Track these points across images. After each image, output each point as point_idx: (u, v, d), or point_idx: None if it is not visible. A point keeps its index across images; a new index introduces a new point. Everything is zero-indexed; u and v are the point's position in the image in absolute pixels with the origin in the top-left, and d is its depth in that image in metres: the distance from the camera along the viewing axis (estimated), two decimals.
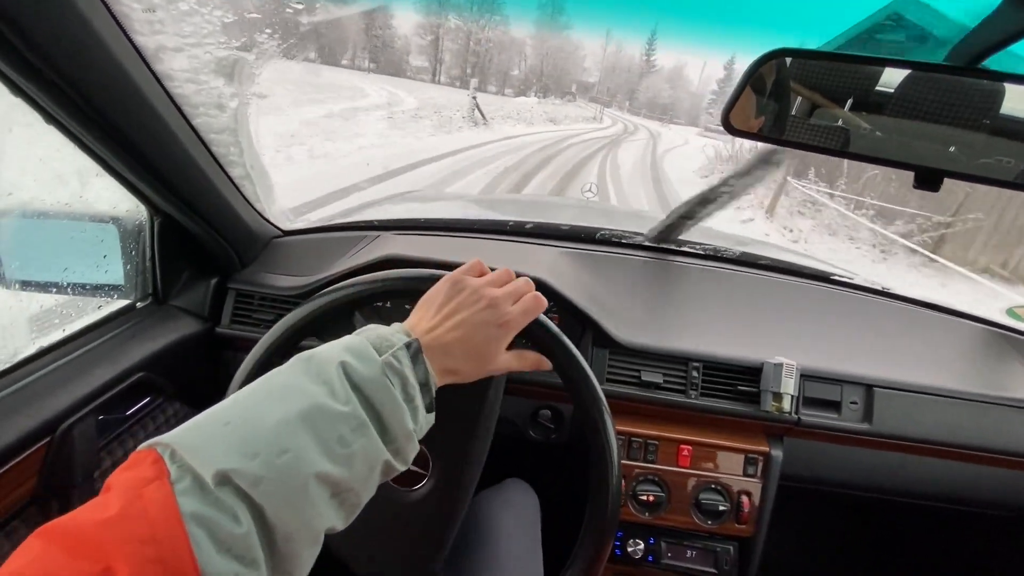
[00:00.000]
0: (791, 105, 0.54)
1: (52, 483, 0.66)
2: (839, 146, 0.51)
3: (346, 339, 0.45)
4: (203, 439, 0.35)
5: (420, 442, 0.64)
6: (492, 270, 0.59)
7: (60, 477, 0.67)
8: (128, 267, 0.85)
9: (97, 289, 0.83)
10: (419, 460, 0.67)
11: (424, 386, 0.45)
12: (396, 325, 0.49)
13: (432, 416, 0.47)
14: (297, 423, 0.37)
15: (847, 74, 0.51)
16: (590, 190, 2.77)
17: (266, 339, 0.62)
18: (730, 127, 0.54)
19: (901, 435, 0.92)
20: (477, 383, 0.57)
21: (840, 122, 0.53)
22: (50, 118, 0.61)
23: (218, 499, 0.32)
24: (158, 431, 0.86)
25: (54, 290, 0.77)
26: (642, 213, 3.05)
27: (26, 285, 0.75)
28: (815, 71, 0.51)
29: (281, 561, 0.34)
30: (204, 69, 0.68)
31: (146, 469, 0.33)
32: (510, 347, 0.55)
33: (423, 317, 0.52)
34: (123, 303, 0.87)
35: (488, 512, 0.82)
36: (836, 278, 1.21)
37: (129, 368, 0.78)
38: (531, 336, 0.57)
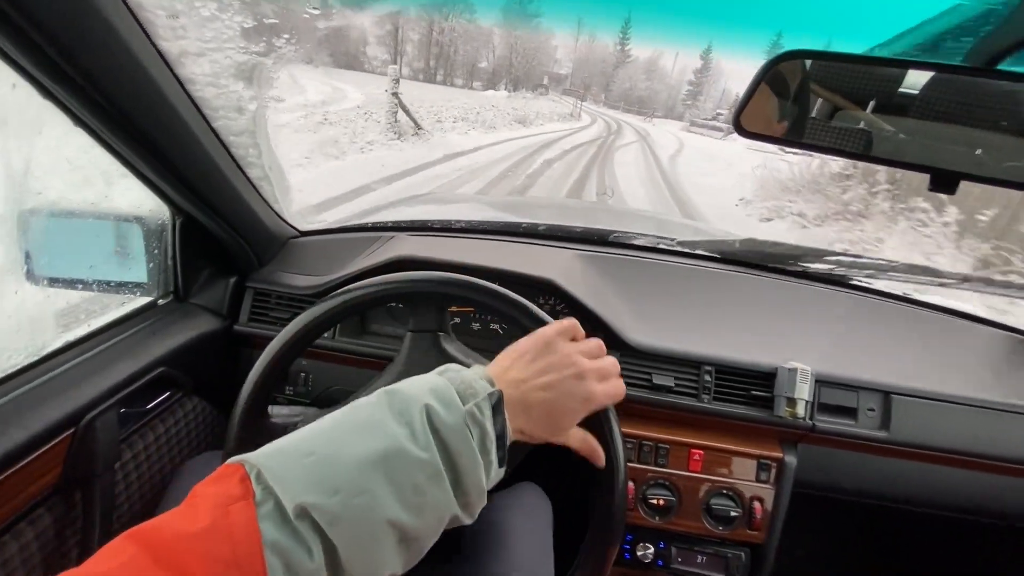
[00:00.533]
0: (811, 107, 0.53)
1: (75, 473, 0.69)
2: (861, 149, 0.50)
3: (431, 379, 0.45)
4: (287, 466, 0.36)
5: None
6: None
7: (83, 467, 0.69)
8: (151, 265, 0.87)
9: (121, 286, 0.85)
10: None
11: (500, 439, 0.44)
12: (479, 369, 0.48)
13: (503, 471, 0.45)
14: (377, 464, 0.37)
15: (868, 76, 0.50)
16: (606, 192, 2.77)
17: (282, 336, 0.63)
18: (741, 129, 0.53)
19: (920, 443, 0.90)
20: None
21: (862, 124, 0.52)
22: (78, 120, 0.63)
23: (296, 530, 0.33)
24: (176, 425, 0.89)
25: (80, 287, 0.80)
26: (657, 216, 3.02)
27: (54, 282, 0.78)
28: (836, 73, 0.51)
29: None
30: (224, 73, 0.70)
31: (233, 486, 0.34)
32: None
33: (511, 367, 0.50)
34: (145, 300, 0.89)
35: (500, 516, 0.82)
36: (853, 282, 1.18)
37: (150, 363, 0.80)
38: (593, 425, 0.57)
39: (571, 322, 0.55)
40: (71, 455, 0.68)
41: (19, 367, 0.68)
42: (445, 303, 0.68)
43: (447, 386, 0.44)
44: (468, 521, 0.43)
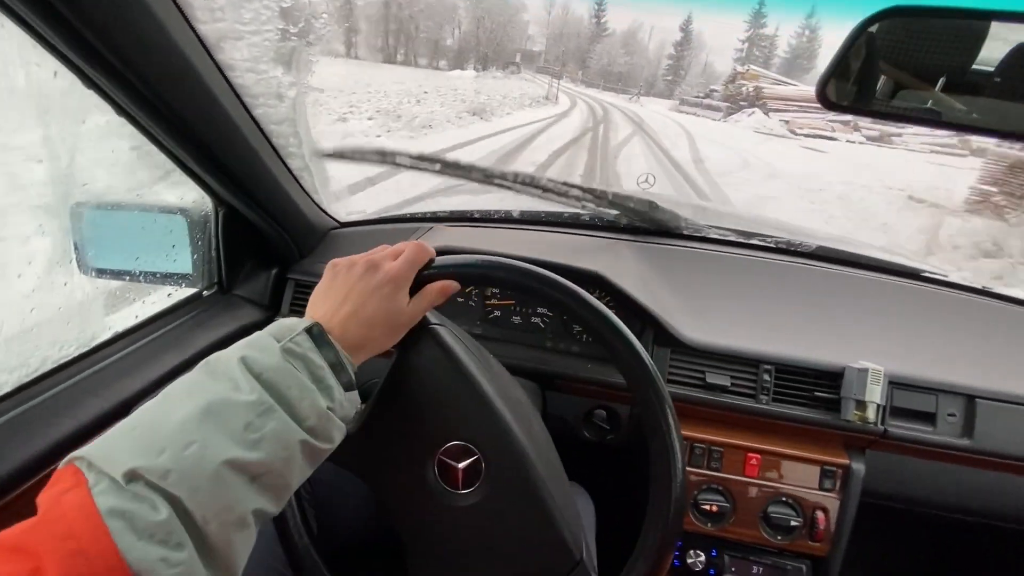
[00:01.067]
0: (914, 76, 0.46)
1: None
2: (965, 120, 0.44)
3: (250, 336, 0.46)
4: (113, 445, 0.37)
5: (461, 440, 0.61)
6: None
7: None
8: (195, 257, 0.87)
9: (167, 277, 0.86)
10: (469, 455, 0.62)
11: (336, 365, 0.46)
12: (299, 319, 0.50)
13: (355, 395, 0.47)
14: (201, 416, 0.38)
15: (970, 35, 0.43)
16: (647, 180, 2.68)
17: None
18: (827, 100, 0.47)
19: (1008, 453, 0.82)
20: (447, 363, 0.56)
21: (959, 94, 0.45)
22: (121, 110, 0.63)
23: (134, 494, 0.33)
24: None
25: (127, 278, 0.81)
26: (705, 206, 2.91)
27: (101, 273, 0.79)
28: (941, 35, 0.44)
29: (210, 544, 0.35)
30: (263, 58, 0.68)
31: (66, 480, 0.35)
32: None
33: (316, 309, 0.52)
34: (191, 291, 0.90)
35: None
36: (927, 275, 1.09)
37: (195, 354, 0.80)
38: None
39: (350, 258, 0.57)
40: None
41: (70, 358, 0.69)
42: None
43: (261, 334, 0.45)
44: (326, 446, 0.44)
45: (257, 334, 0.46)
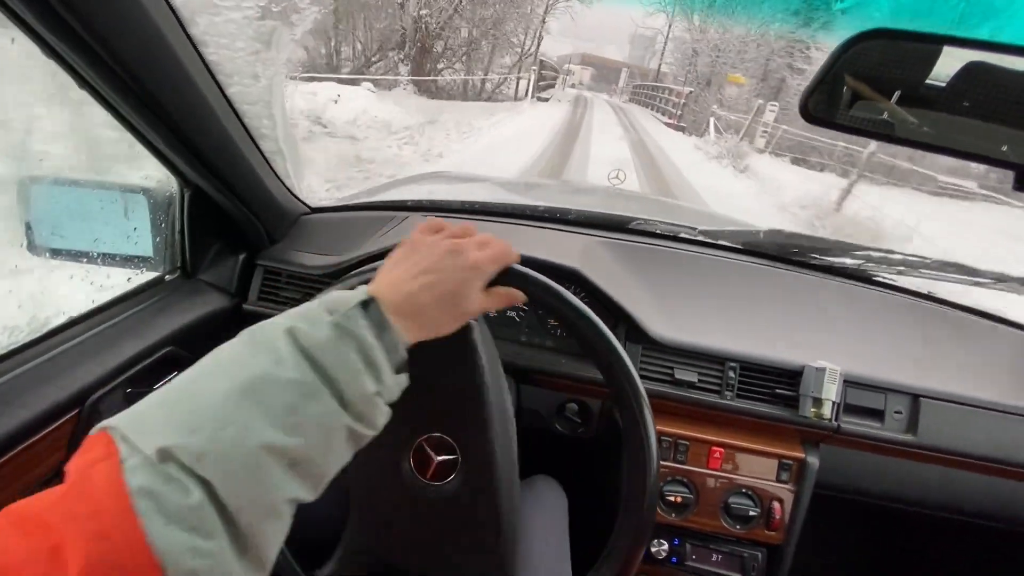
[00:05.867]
0: (888, 102, 0.48)
1: None
2: (947, 143, 0.46)
3: (301, 306, 0.43)
4: (148, 418, 0.35)
5: (445, 433, 0.62)
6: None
7: None
8: (157, 239, 0.83)
9: (127, 260, 0.82)
10: (448, 451, 0.64)
11: (390, 345, 0.42)
12: (359, 288, 0.46)
13: (403, 378, 0.44)
14: (240, 395, 0.36)
15: (955, 59, 0.46)
16: (617, 176, 2.71)
17: None
18: (808, 115, 0.49)
19: (947, 448, 0.88)
20: (471, 361, 0.56)
21: (943, 116, 0.47)
22: (83, 82, 0.59)
23: (167, 474, 0.31)
24: None
25: (84, 260, 0.76)
26: (676, 204, 2.97)
27: (56, 253, 0.74)
28: (916, 58, 0.46)
29: (241, 533, 0.33)
30: (240, 35, 0.65)
31: (98, 451, 0.33)
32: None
33: (384, 276, 0.49)
34: (152, 275, 0.86)
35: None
36: (878, 279, 1.15)
37: (157, 342, 0.77)
38: (541, 303, 0.55)
39: (433, 220, 0.55)
40: (76, 437, 0.65)
41: (20, 344, 0.65)
42: None
43: (313, 305, 0.42)
44: (371, 432, 0.42)
45: (308, 304, 0.43)
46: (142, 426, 0.34)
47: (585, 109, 21.60)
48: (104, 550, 0.28)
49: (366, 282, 0.49)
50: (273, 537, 0.36)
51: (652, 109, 23.59)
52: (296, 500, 0.37)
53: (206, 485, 0.32)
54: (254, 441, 0.34)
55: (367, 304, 0.43)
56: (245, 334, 0.41)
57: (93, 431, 0.35)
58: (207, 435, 0.33)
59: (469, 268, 0.49)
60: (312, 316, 0.41)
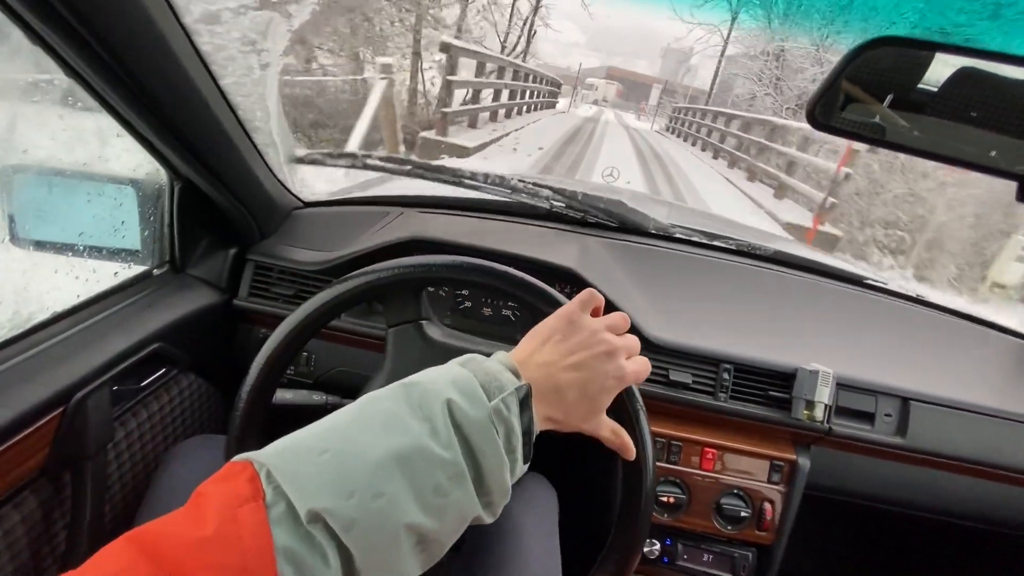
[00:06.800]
0: (896, 101, 0.48)
1: (64, 454, 0.64)
2: (937, 149, 0.47)
3: (452, 371, 0.42)
4: (300, 465, 0.34)
5: None
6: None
7: (73, 448, 0.65)
8: (146, 233, 0.81)
9: (114, 254, 0.79)
10: None
11: (526, 435, 0.42)
12: (502, 356, 0.45)
13: (527, 467, 0.43)
14: (395, 463, 0.35)
15: (969, 69, 0.46)
16: (611, 174, 2.72)
17: (299, 314, 0.59)
18: (815, 122, 0.49)
19: (935, 451, 0.89)
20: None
21: (934, 120, 0.47)
22: (70, 70, 0.57)
23: (309, 535, 0.31)
24: (171, 403, 0.84)
25: (69, 253, 0.74)
26: (671, 203, 2.98)
27: (40, 246, 0.72)
28: (921, 64, 0.46)
29: None
30: (236, 26, 0.63)
31: (242, 486, 0.32)
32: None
33: (536, 351, 0.47)
34: (140, 270, 0.84)
35: (506, 507, 0.80)
36: (869, 282, 1.16)
37: (145, 338, 0.75)
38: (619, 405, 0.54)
39: (590, 293, 0.52)
40: (60, 435, 0.63)
41: (2, 341, 0.63)
42: (420, 288, 0.65)
43: (470, 378, 0.41)
44: (490, 520, 0.41)
45: (463, 374, 0.42)
46: (293, 473, 0.33)
47: (586, 145, 12.48)
48: None
49: (489, 347, 0.48)
50: None
51: (708, 151, 14.07)
52: (411, 574, 0.37)
53: (346, 556, 0.32)
54: (401, 518, 0.34)
55: (520, 390, 0.42)
56: (401, 389, 0.40)
57: (237, 458, 0.34)
58: (359, 502, 0.33)
59: (617, 379, 0.48)
60: (471, 392, 0.40)
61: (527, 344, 0.49)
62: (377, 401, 0.40)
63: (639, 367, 0.50)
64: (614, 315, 0.52)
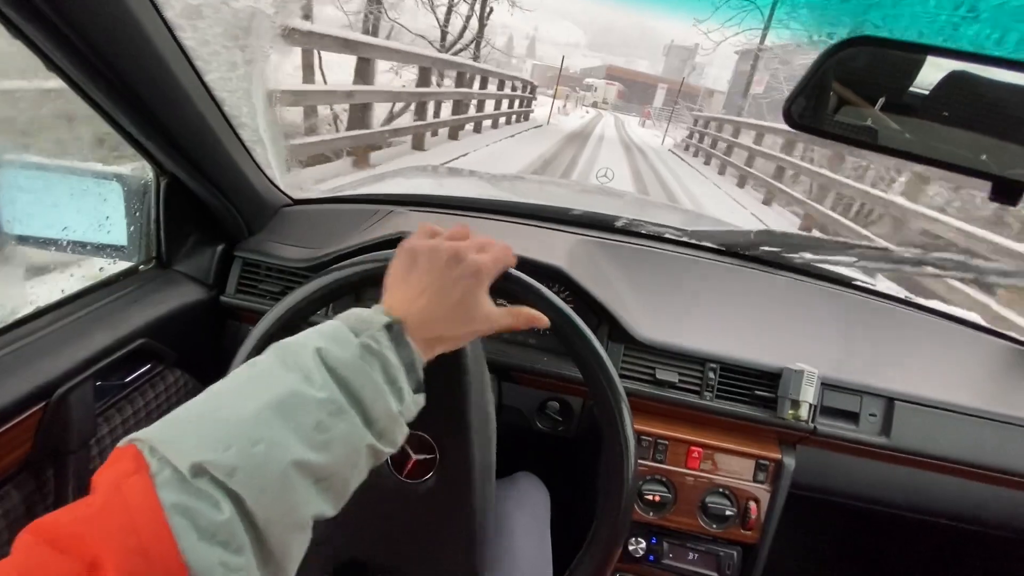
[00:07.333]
0: (872, 108, 0.48)
1: (47, 449, 0.64)
2: (928, 152, 0.47)
3: (324, 324, 0.44)
4: (179, 432, 0.35)
5: (425, 432, 0.62)
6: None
7: (55, 443, 0.65)
8: (131, 228, 0.81)
9: (99, 249, 0.79)
10: (427, 450, 0.64)
11: (409, 366, 0.44)
12: (376, 307, 0.47)
13: (421, 397, 0.45)
14: (271, 412, 0.36)
15: (941, 69, 0.46)
16: (605, 174, 2.73)
17: (276, 310, 0.59)
18: (792, 121, 0.49)
19: (919, 451, 0.90)
20: (457, 362, 0.56)
21: (924, 123, 0.47)
22: (52, 65, 0.57)
23: (198, 489, 0.32)
24: (157, 399, 0.84)
25: (53, 248, 0.74)
26: (662, 204, 2.99)
27: (23, 240, 0.71)
28: (900, 65, 0.46)
29: (268, 548, 0.34)
30: (219, 21, 0.63)
31: (127, 464, 0.33)
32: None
33: (394, 290, 0.49)
34: (125, 265, 0.83)
35: (499, 505, 0.80)
36: (856, 283, 1.17)
37: (130, 334, 0.75)
38: (522, 300, 0.55)
39: (423, 224, 0.54)
40: (42, 430, 0.63)
41: None
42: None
43: (339, 325, 0.43)
44: (390, 450, 0.43)
45: (332, 323, 0.43)
46: (173, 440, 0.34)
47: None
48: (140, 565, 0.29)
49: (378, 297, 0.49)
50: (297, 552, 0.37)
51: (758, 190, 9.97)
52: (320, 515, 0.38)
53: (237, 500, 0.33)
54: (285, 457, 0.35)
55: (391, 326, 0.44)
56: (273, 350, 0.42)
57: (121, 443, 0.35)
58: (239, 450, 0.34)
59: (472, 275, 0.49)
60: (339, 336, 0.42)
61: (389, 290, 0.50)
62: (251, 364, 0.41)
63: (495, 253, 0.52)
64: (453, 227, 0.54)
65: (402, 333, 0.44)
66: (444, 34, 10.84)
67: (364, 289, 0.64)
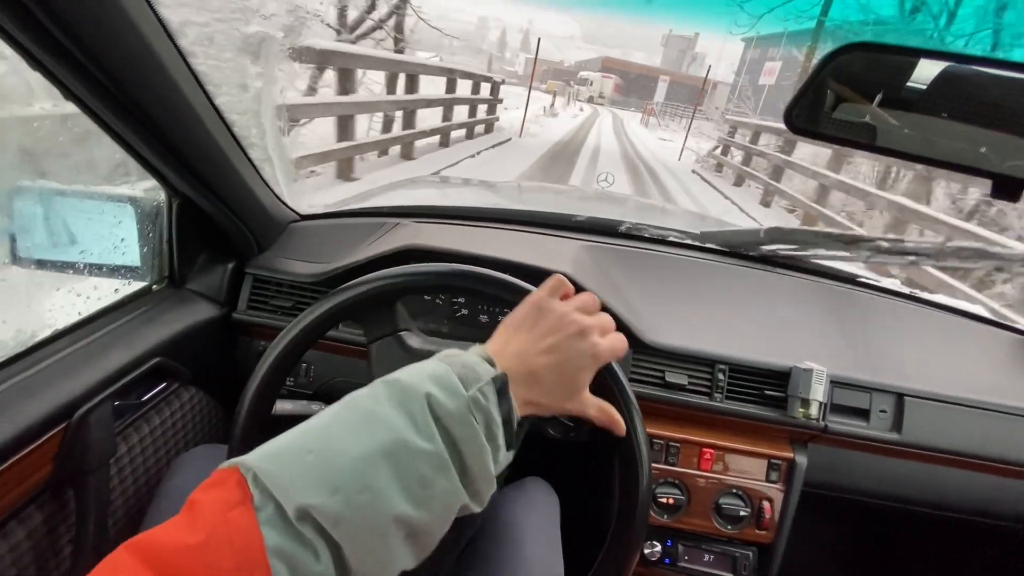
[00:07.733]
0: (871, 105, 0.49)
1: (68, 469, 0.65)
2: (927, 151, 0.48)
3: (430, 366, 0.43)
4: (285, 467, 0.35)
5: None
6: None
7: (76, 464, 0.66)
8: (145, 249, 0.82)
9: (114, 271, 0.81)
10: None
11: (507, 423, 0.43)
12: (478, 349, 0.46)
13: (511, 455, 0.44)
14: (379, 458, 0.36)
15: (945, 74, 0.47)
16: (605, 179, 2.73)
17: (296, 324, 0.60)
18: (793, 126, 0.50)
19: (931, 446, 0.90)
20: None
21: (922, 119, 0.48)
22: (69, 93, 0.58)
23: (299, 533, 0.32)
24: (173, 417, 0.85)
25: (70, 271, 0.75)
26: (664, 207, 2.99)
27: (42, 265, 0.73)
28: (896, 67, 0.47)
29: None
30: (229, 46, 0.65)
31: (231, 491, 0.33)
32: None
33: (510, 341, 0.48)
34: (139, 285, 0.85)
35: (507, 511, 0.80)
36: (862, 280, 1.17)
37: (146, 353, 0.76)
38: (602, 384, 0.54)
39: (558, 279, 0.53)
40: (63, 451, 0.64)
41: (5, 359, 0.64)
42: (391, 302, 0.65)
43: (447, 372, 0.42)
44: (478, 509, 0.42)
45: (441, 367, 0.43)
46: (278, 474, 0.34)
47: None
48: None
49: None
50: None
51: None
52: (405, 568, 0.37)
53: (336, 550, 0.33)
54: (388, 511, 0.35)
55: (496, 379, 0.43)
56: (382, 386, 0.41)
57: (223, 465, 0.35)
58: (345, 497, 0.34)
59: (591, 356, 0.48)
60: (450, 385, 0.41)
61: (500, 334, 0.50)
62: (358, 400, 0.41)
63: (614, 343, 0.51)
64: (583, 295, 0.53)
65: (506, 388, 0.43)
66: (342, 8, 6.43)
67: (356, 316, 0.64)
